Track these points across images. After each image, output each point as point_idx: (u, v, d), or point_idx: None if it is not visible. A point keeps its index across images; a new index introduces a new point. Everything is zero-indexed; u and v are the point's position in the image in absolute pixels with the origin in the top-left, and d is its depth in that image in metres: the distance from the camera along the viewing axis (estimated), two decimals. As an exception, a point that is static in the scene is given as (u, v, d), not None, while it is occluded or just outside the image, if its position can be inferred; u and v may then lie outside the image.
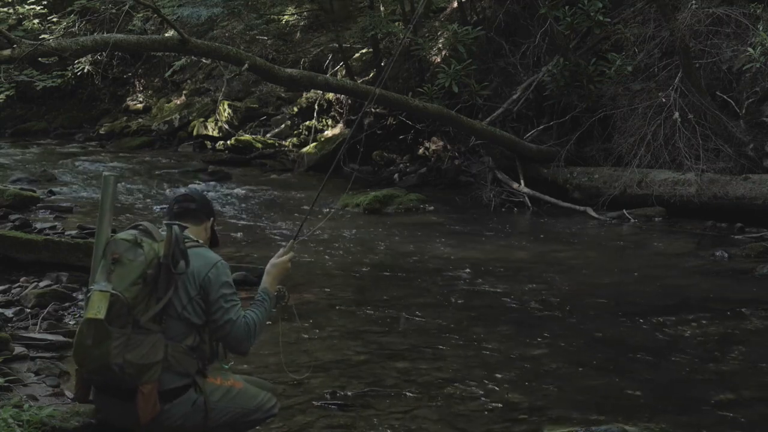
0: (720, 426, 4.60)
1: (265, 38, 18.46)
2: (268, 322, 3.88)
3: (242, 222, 10.71)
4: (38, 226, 9.19)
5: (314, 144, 16.12)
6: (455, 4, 15.49)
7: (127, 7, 14.14)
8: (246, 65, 10.90)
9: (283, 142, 17.22)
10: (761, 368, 5.53)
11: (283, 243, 4.48)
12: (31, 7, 18.17)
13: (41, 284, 6.69)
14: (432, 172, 14.24)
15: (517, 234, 10.57)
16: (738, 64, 11.10)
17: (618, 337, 6.18)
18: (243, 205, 12.06)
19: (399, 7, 15.46)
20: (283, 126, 17.78)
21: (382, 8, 16.08)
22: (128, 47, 12.29)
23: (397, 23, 15.23)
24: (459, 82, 12.44)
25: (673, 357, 5.69)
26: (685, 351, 5.84)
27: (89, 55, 17.52)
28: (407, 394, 4.93)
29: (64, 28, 17.81)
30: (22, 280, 6.83)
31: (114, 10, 15.66)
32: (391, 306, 6.89)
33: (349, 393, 4.89)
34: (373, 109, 14.31)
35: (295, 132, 17.43)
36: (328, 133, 16.40)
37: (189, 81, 21.26)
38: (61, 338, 5.47)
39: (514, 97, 12.86)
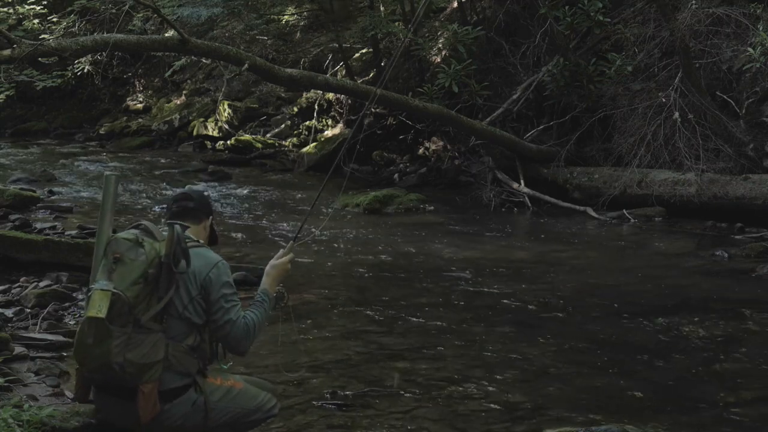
0: (720, 426, 4.61)
1: (265, 38, 18.46)
2: (267, 324, 3.88)
3: (242, 222, 10.71)
4: (38, 226, 9.19)
5: (314, 144, 16.12)
6: (455, 4, 15.49)
7: (127, 7, 14.15)
8: (246, 65, 10.90)
9: (283, 142, 17.23)
10: (761, 368, 5.53)
11: (283, 244, 4.49)
12: (31, 7, 18.17)
13: (41, 284, 6.68)
14: (432, 172, 14.24)
15: (517, 234, 10.57)
16: (738, 64, 11.10)
17: (618, 337, 6.18)
18: (243, 205, 12.05)
19: (399, 7, 15.46)
20: (283, 126, 17.78)
21: (382, 8, 16.08)
22: (128, 47, 12.29)
23: (397, 23, 15.23)
24: (459, 82, 12.44)
25: (673, 357, 5.69)
26: (685, 351, 5.84)
27: (89, 55, 17.52)
28: (407, 394, 4.93)
29: (64, 28, 17.81)
30: (22, 280, 6.82)
31: (114, 10, 15.66)
32: (391, 306, 6.89)
33: (349, 393, 4.89)
34: (373, 109, 14.31)
35: (295, 132, 17.44)
36: (328, 133, 16.40)
37: (189, 81, 21.27)
38: (61, 338, 5.46)
39: (514, 97, 12.87)
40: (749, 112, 11.17)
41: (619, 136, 11.77)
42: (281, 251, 3.99)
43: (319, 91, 16.32)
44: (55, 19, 18.30)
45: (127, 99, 22.09)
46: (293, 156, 16.35)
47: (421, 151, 15.00)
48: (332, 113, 16.84)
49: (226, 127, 18.20)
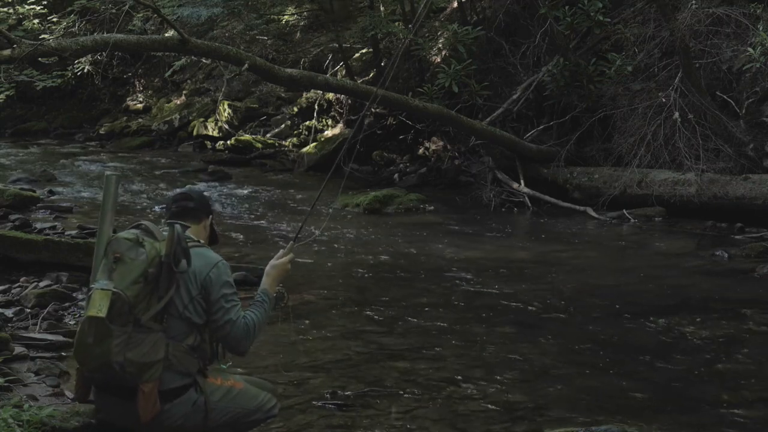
0: (720, 426, 4.61)
1: (265, 38, 18.46)
2: (267, 324, 3.88)
3: (242, 222, 10.71)
4: (38, 226, 9.19)
5: (314, 144, 16.11)
6: (455, 4, 15.49)
7: (127, 7, 14.14)
8: (246, 65, 10.90)
9: (283, 142, 17.22)
10: (762, 368, 5.53)
11: (283, 244, 4.49)
12: (31, 7, 18.17)
13: (41, 284, 6.68)
14: (432, 172, 14.24)
15: (517, 234, 10.57)
16: (738, 64, 11.10)
17: (618, 337, 6.18)
18: (243, 205, 12.05)
19: (399, 7, 15.46)
20: (283, 126, 17.78)
21: (382, 8, 16.08)
22: (128, 47, 12.29)
23: (397, 23, 15.23)
24: (459, 82, 12.44)
25: (673, 357, 5.69)
26: (685, 351, 5.84)
27: (89, 55, 17.52)
28: (407, 394, 4.93)
29: (64, 28, 17.81)
30: (22, 280, 6.82)
31: (114, 10, 15.65)
32: (391, 306, 6.89)
33: (349, 393, 4.89)
34: (373, 109, 14.32)
35: (295, 132, 17.43)
36: (328, 133, 16.40)
37: (189, 81, 21.26)
38: (61, 338, 5.46)
39: (514, 97, 12.87)
40: (749, 112, 11.17)
41: (619, 136, 11.77)
42: (281, 251, 3.99)
43: (319, 91, 16.31)
44: (55, 19, 18.30)
45: (127, 99, 22.09)
46: (293, 156, 16.35)
47: (421, 151, 15.00)
48: (332, 113, 16.84)
49: (226, 127, 18.20)
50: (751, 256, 8.76)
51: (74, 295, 6.54)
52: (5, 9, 18.46)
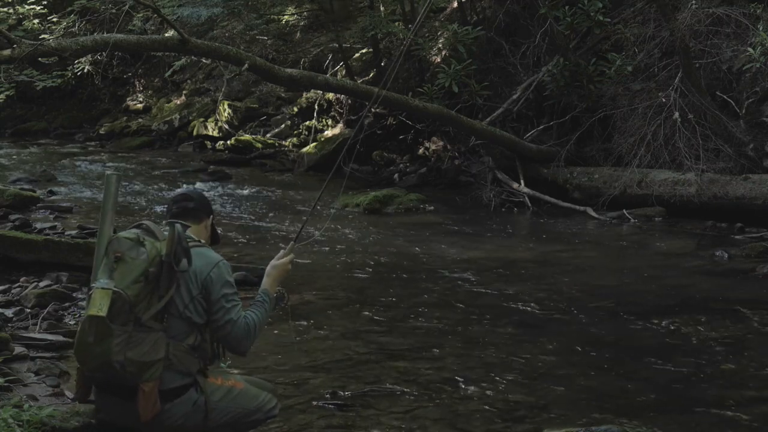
0: (720, 426, 4.61)
1: (265, 38, 18.47)
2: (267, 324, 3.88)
3: (242, 222, 10.71)
4: (38, 226, 9.19)
5: (314, 144, 16.12)
6: (455, 4, 15.49)
7: (127, 7, 14.15)
8: (246, 65, 10.90)
9: (283, 142, 17.23)
10: (761, 368, 5.53)
11: (282, 244, 4.49)
12: (31, 7, 18.17)
13: (41, 284, 6.69)
14: (432, 172, 14.24)
15: (517, 234, 10.57)
16: (738, 64, 11.10)
17: (618, 337, 6.18)
18: (243, 205, 12.05)
19: (399, 7, 15.46)
20: (283, 126, 17.78)
21: (382, 8, 16.08)
22: (128, 47, 12.29)
23: (397, 23, 15.23)
24: (459, 82, 12.44)
25: (673, 357, 5.69)
26: (685, 351, 5.84)
27: (89, 55, 17.53)
28: (407, 394, 4.93)
29: (64, 28, 17.81)
30: (22, 280, 6.83)
31: (114, 10, 15.66)
32: (391, 306, 6.89)
33: (349, 393, 4.89)
34: (373, 109, 14.32)
35: (295, 132, 17.44)
36: (328, 133, 16.40)
37: (189, 81, 21.27)
38: (61, 338, 5.46)
39: (514, 97, 12.87)
40: (749, 112, 11.17)
41: (619, 136, 11.77)
42: (282, 252, 3.99)
43: (319, 91, 16.32)
44: (55, 19, 18.30)
45: (127, 99, 22.09)
46: (293, 156, 16.35)
47: (421, 151, 15.00)
48: (332, 113, 16.84)
49: (226, 127, 18.20)
50: (751, 256, 8.76)
51: (74, 295, 6.54)
52: (5, 9, 18.46)
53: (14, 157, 16.56)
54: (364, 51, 17.26)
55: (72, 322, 5.95)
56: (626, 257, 9.19)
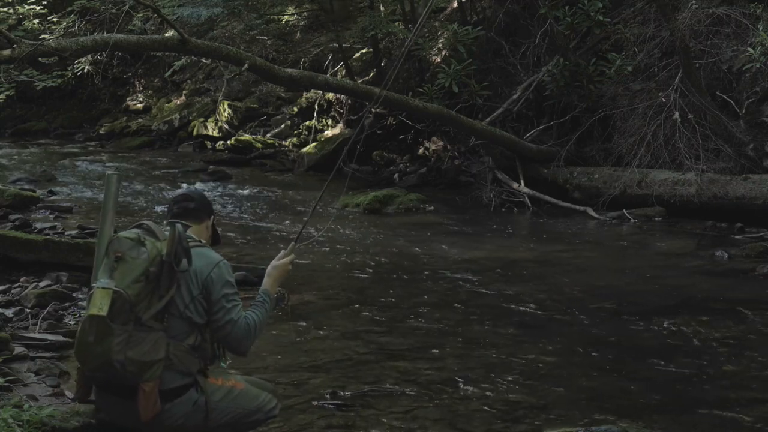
0: (721, 426, 4.61)
1: (265, 38, 18.47)
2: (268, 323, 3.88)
3: (242, 222, 10.71)
4: (38, 226, 9.19)
5: (314, 144, 16.12)
6: (455, 4, 15.49)
7: (127, 7, 14.15)
8: (246, 65, 10.90)
9: (283, 142, 17.23)
10: (762, 368, 5.53)
11: (282, 245, 4.49)
12: (31, 7, 18.18)
13: (41, 284, 6.69)
14: (432, 172, 14.24)
15: (517, 234, 10.57)
16: (738, 64, 11.10)
17: (618, 337, 6.18)
18: (243, 205, 12.05)
19: (399, 7, 15.46)
20: (283, 126, 17.78)
21: (382, 8, 16.09)
22: (128, 47, 12.29)
23: (397, 23, 15.23)
24: (459, 82, 12.44)
25: (673, 357, 5.69)
26: (685, 351, 5.84)
27: (89, 55, 17.53)
28: (407, 394, 4.93)
29: (64, 28, 17.81)
30: (22, 280, 6.83)
31: (114, 10, 15.66)
32: (391, 306, 6.89)
33: (349, 393, 4.89)
34: (373, 109, 14.32)
35: (295, 132, 17.44)
36: (328, 133, 16.40)
37: (189, 81, 21.27)
38: (61, 338, 5.47)
39: (514, 97, 12.87)
40: (749, 112, 11.17)
41: (619, 136, 11.77)
42: (282, 252, 4.00)
43: (319, 91, 16.32)
44: (55, 19, 18.30)
45: (127, 99, 22.10)
46: (293, 156, 16.35)
47: (421, 151, 14.99)
48: (332, 113, 16.84)
49: (226, 127, 18.20)
50: (751, 256, 8.76)
51: (74, 295, 6.54)
52: (5, 9, 18.46)
53: (14, 157, 16.56)
54: (364, 51, 17.26)
55: (72, 322, 5.95)
56: (626, 257, 9.19)
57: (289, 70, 12.16)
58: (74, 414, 3.81)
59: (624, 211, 11.01)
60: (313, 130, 16.81)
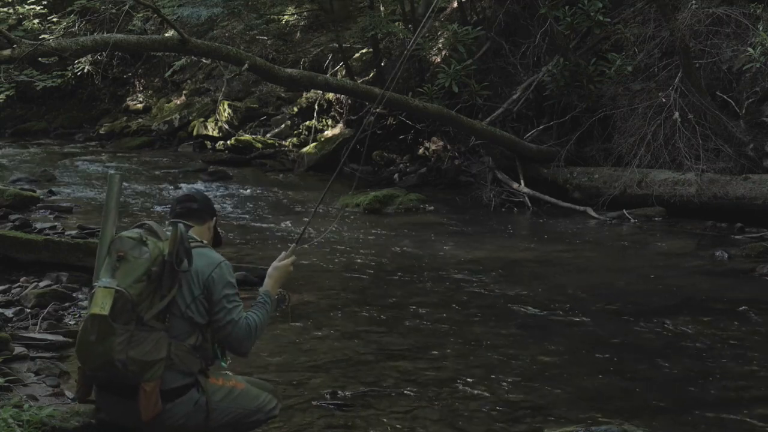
0: (720, 426, 4.61)
1: (265, 38, 18.46)
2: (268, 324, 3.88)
3: (242, 222, 10.71)
4: (38, 226, 9.19)
5: (314, 144, 16.12)
6: (455, 4, 15.49)
7: (127, 7, 14.14)
8: (246, 65, 10.90)
9: (283, 142, 17.23)
10: (762, 368, 5.53)
11: (281, 246, 4.49)
12: (31, 7, 18.17)
13: (41, 284, 6.69)
14: (432, 172, 14.24)
15: (517, 234, 10.57)
16: (738, 64, 11.10)
17: (618, 337, 6.18)
18: (243, 205, 12.05)
19: (399, 7, 15.46)
20: (283, 126, 17.78)
21: (382, 8, 16.09)
22: (128, 47, 12.29)
23: (397, 23, 15.23)
24: (459, 82, 12.44)
25: (673, 357, 5.69)
26: (685, 351, 5.84)
27: (89, 55, 17.53)
28: (407, 394, 4.93)
29: (64, 28, 17.81)
30: (22, 280, 6.83)
31: (114, 10, 15.66)
32: (391, 306, 6.89)
33: (349, 393, 4.89)
34: (372, 110, 14.32)
35: (295, 132, 17.44)
36: (328, 133, 16.41)
37: (189, 81, 21.27)
38: (61, 338, 5.47)
39: (514, 97, 12.87)
40: (749, 112, 11.17)
41: (619, 136, 11.77)
42: (283, 254, 4.00)
43: (319, 91, 16.32)
44: (55, 19, 18.30)
45: (127, 99, 22.10)
46: (293, 156, 16.35)
47: (421, 151, 14.99)
48: (332, 113, 16.84)
49: (226, 127, 18.20)
50: (751, 256, 8.76)
51: (74, 295, 6.54)
52: (5, 9, 18.46)
53: (14, 157, 16.56)
54: (364, 51, 17.26)
55: (72, 322, 5.95)
56: (626, 257, 9.19)
57: (289, 70, 12.16)
58: (74, 414, 3.81)
59: (624, 211, 11.01)
60: (313, 130, 16.81)
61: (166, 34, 15.41)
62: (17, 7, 18.20)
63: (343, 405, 4.72)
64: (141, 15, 17.56)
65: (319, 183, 13.78)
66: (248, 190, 13.24)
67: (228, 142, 17.62)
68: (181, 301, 3.54)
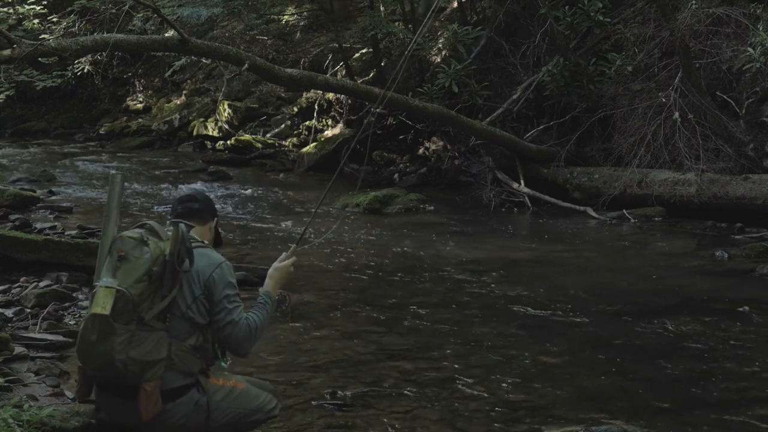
0: (720, 426, 4.61)
1: (265, 38, 18.46)
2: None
3: (242, 222, 10.71)
4: (38, 226, 9.19)
5: (314, 144, 16.12)
6: (455, 4, 15.49)
7: (127, 7, 14.15)
8: (246, 65, 10.90)
9: (283, 142, 17.23)
10: (762, 368, 5.53)
11: (281, 246, 4.49)
12: (31, 7, 18.18)
13: (41, 284, 6.69)
14: (432, 172, 14.24)
15: (517, 234, 10.57)
16: (738, 64, 11.10)
17: (618, 337, 6.18)
18: (243, 205, 12.05)
19: (399, 7, 15.46)
20: (283, 126, 17.78)
21: (382, 8, 16.09)
22: (128, 47, 12.29)
23: (397, 23, 15.23)
24: (459, 82, 12.44)
25: (673, 357, 5.69)
26: (685, 351, 5.84)
27: (89, 55, 17.53)
28: (407, 394, 4.93)
29: (64, 28, 17.81)
30: (22, 280, 6.83)
31: (114, 10, 15.66)
32: (391, 306, 6.89)
33: (349, 393, 4.89)
34: (372, 110, 14.33)
35: (295, 132, 17.44)
36: (328, 133, 16.41)
37: (189, 81, 21.27)
38: (61, 338, 5.47)
39: (514, 97, 12.87)
40: (749, 112, 11.17)
41: (619, 136, 11.77)
42: (284, 255, 4.01)
43: (319, 91, 16.32)
44: (55, 19, 18.30)
45: (127, 99, 22.10)
46: (293, 156, 16.36)
47: (421, 151, 15.00)
48: (332, 113, 16.84)
49: (226, 127, 18.20)
50: (751, 256, 8.76)
51: (74, 295, 6.54)
52: (5, 9, 18.46)
53: (14, 157, 16.56)
54: (364, 51, 17.26)
55: (72, 322, 5.95)
56: (626, 257, 9.19)
57: (289, 70, 12.16)
58: (74, 414, 3.81)
59: (624, 211, 11.01)
60: (313, 130, 16.82)
61: (166, 34, 15.41)
62: (17, 7, 18.20)
63: (343, 405, 4.72)
64: (141, 15, 17.56)
65: (319, 183, 13.78)
66: (248, 190, 13.23)
67: (228, 142, 17.63)
68: (181, 302, 3.54)
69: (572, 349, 5.87)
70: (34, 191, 11.55)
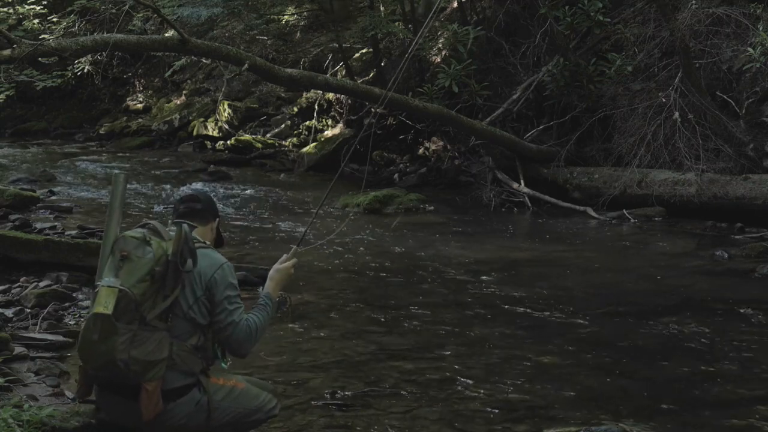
0: (721, 426, 4.61)
1: (265, 38, 18.47)
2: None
3: (242, 222, 10.71)
4: (38, 226, 9.19)
5: (314, 144, 16.12)
6: (455, 4, 15.49)
7: (127, 7, 14.15)
8: (246, 65, 10.90)
9: (283, 142, 17.23)
10: (761, 368, 5.53)
11: (281, 246, 4.48)
12: (31, 7, 18.18)
13: (41, 284, 6.69)
14: (432, 172, 14.24)
15: (517, 234, 10.57)
16: (738, 64, 11.10)
17: (618, 337, 6.18)
18: (243, 205, 12.05)
19: (399, 7, 15.46)
20: (283, 126, 17.78)
21: (382, 8, 16.09)
22: (128, 47, 12.29)
23: (397, 23, 15.23)
24: (459, 82, 12.44)
25: (673, 357, 5.69)
26: (685, 351, 5.84)
27: (89, 55, 17.53)
28: (407, 394, 4.93)
29: (64, 28, 17.82)
30: (22, 280, 6.83)
31: (114, 10, 15.66)
32: (391, 306, 6.89)
33: (349, 393, 4.89)
34: (372, 110, 14.33)
35: (295, 132, 17.44)
36: (328, 133, 16.41)
37: (189, 81, 21.27)
38: (61, 338, 5.47)
39: (514, 97, 12.87)
40: (749, 112, 11.17)
41: (619, 136, 11.78)
42: (285, 256, 4.01)
43: (319, 91, 16.32)
44: (55, 19, 18.30)
45: (127, 99, 22.11)
46: (293, 156, 16.36)
47: (421, 151, 15.00)
48: (332, 113, 16.85)
49: (226, 127, 18.21)
50: (751, 256, 8.76)
51: (74, 295, 6.54)
52: (5, 9, 18.46)
53: (14, 157, 16.57)
54: (364, 51, 17.26)
55: (72, 322, 5.95)
56: (626, 257, 9.19)
57: (289, 70, 12.16)
58: (74, 414, 3.82)
59: (624, 211, 11.01)
60: (313, 130, 16.82)
61: (166, 34, 15.41)
62: (17, 7, 18.20)
63: (343, 405, 4.72)
64: (141, 15, 17.56)
65: (319, 183, 13.78)
66: (248, 190, 13.23)
67: (228, 142, 17.63)
68: (183, 302, 3.55)
69: (572, 349, 5.87)
70: (34, 191, 11.54)
